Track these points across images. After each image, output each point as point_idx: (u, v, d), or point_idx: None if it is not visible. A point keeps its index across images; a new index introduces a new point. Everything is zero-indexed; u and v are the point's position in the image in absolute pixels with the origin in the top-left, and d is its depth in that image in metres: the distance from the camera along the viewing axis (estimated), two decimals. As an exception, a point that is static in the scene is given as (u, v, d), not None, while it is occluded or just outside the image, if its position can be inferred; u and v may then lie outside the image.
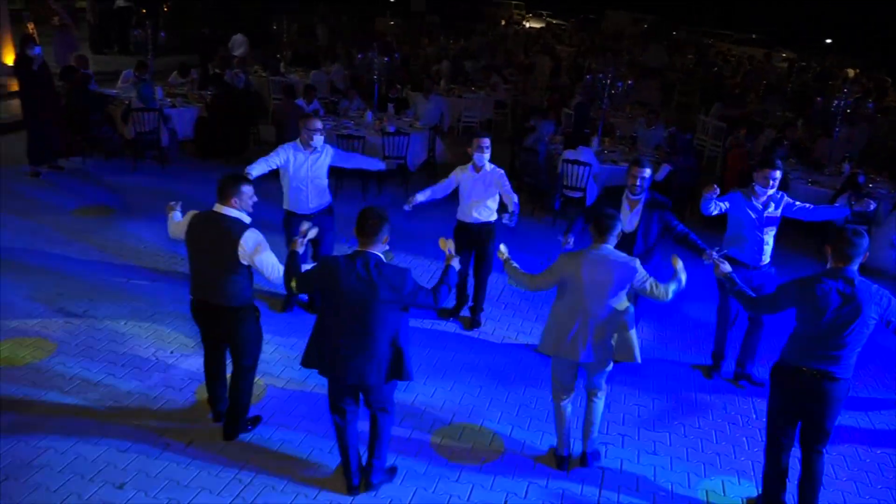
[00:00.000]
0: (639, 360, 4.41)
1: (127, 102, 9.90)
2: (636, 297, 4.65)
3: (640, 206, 5.44)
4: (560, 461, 4.58)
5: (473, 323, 6.41)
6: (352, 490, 4.18)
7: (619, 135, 10.93)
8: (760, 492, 4.32)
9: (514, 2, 39.91)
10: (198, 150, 10.86)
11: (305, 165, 5.94)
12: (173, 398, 4.94)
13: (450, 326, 6.40)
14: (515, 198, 5.86)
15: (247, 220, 4.28)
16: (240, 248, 4.14)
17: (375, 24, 25.83)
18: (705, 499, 4.44)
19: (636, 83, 15.27)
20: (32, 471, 4.12)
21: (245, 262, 4.21)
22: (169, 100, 10.72)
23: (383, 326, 3.83)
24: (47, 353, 5.32)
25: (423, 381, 5.41)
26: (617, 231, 4.26)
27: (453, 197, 6.26)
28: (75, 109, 9.55)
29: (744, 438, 5.05)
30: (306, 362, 4.02)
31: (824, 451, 4.08)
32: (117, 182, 9.35)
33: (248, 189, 4.29)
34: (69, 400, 4.81)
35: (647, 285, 4.25)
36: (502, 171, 6.07)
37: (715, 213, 5.50)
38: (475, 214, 6.08)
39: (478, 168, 6.01)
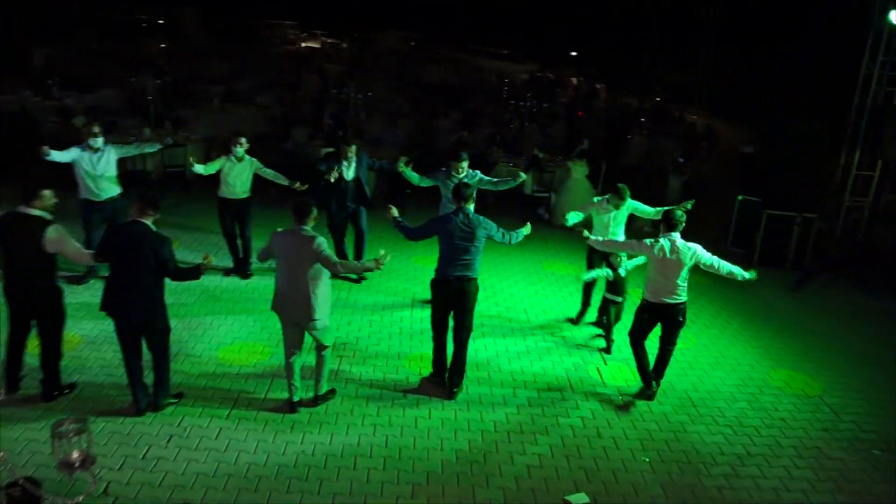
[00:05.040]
0: (317, 320, 5.43)
1: None
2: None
3: (353, 161, 8.02)
4: (291, 406, 5.72)
5: (246, 274, 8.44)
6: (140, 412, 5.43)
7: (369, 137, 13.24)
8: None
9: (288, 22, 41.19)
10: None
11: (91, 162, 7.55)
12: None
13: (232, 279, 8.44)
14: (271, 173, 8.05)
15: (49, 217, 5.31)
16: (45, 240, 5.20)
17: (149, 48, 25.96)
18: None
19: (391, 94, 17.82)
20: None
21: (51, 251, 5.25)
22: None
23: (152, 279, 5.13)
24: None
25: (211, 318, 7.23)
26: (314, 215, 5.37)
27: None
28: None
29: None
30: (102, 306, 5.19)
31: (467, 341, 6.00)
32: None
33: (47, 192, 5.32)
34: None
35: (322, 257, 5.27)
36: (256, 160, 8.09)
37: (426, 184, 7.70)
38: (235, 192, 8.06)
39: (238, 158, 8.00)
